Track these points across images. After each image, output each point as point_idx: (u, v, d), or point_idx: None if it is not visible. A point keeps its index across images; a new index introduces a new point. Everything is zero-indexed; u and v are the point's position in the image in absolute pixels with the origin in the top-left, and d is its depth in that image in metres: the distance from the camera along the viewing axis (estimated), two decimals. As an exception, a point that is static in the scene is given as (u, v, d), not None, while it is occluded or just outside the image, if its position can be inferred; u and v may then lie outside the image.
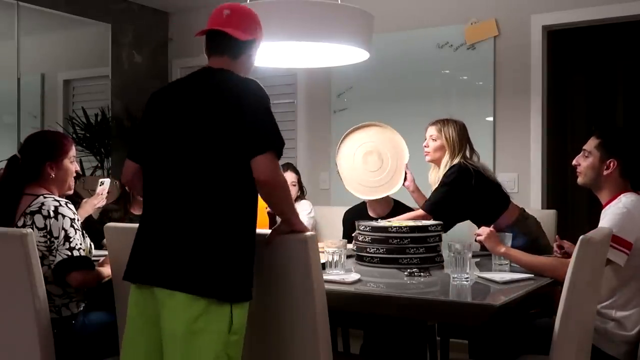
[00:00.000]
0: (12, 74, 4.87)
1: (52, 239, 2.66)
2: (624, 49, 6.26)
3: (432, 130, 3.48)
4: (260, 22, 2.28)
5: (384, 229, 2.87)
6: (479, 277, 2.56)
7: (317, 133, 5.36)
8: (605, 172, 2.71)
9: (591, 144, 2.77)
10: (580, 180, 2.81)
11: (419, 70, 4.90)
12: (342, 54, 3.47)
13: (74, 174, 2.92)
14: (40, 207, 2.68)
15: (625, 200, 2.66)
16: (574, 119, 6.44)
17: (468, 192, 3.29)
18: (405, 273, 2.66)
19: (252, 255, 2.11)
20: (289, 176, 4.15)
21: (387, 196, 3.74)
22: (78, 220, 2.74)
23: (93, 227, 3.33)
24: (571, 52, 5.99)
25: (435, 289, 2.53)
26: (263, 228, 3.09)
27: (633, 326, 2.60)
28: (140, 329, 2.13)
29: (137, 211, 4.01)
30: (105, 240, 2.68)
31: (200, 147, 2.04)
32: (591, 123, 6.47)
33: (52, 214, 2.67)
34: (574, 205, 6.32)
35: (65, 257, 2.64)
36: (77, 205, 3.27)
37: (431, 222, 3.05)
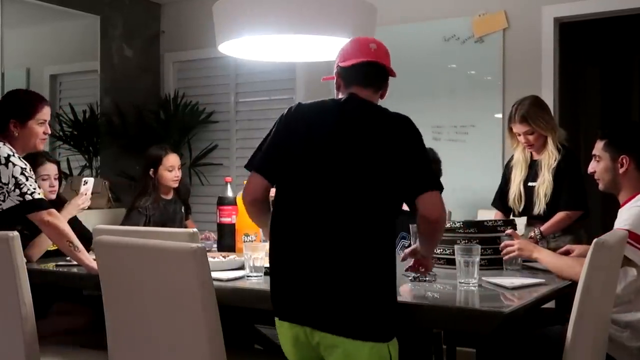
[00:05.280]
0: (-4, 68, 4.87)
1: (1, 184, 2.79)
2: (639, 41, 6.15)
3: (522, 127, 3.48)
4: None
5: (452, 230, 2.87)
6: (487, 282, 2.50)
7: (317, 130, 5.25)
8: (621, 171, 2.68)
9: (598, 146, 2.77)
10: (600, 186, 2.78)
11: (424, 64, 4.84)
12: (343, 47, 3.40)
13: (42, 137, 3.01)
14: None
15: None
16: (587, 114, 6.42)
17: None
18: (410, 278, 2.59)
19: (395, 290, 2.16)
20: None
21: None
22: (30, 170, 2.87)
23: (78, 229, 3.18)
24: (584, 45, 5.95)
25: (442, 294, 2.45)
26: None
27: None
28: None
29: (165, 195, 4.07)
30: (93, 243, 2.46)
31: (366, 183, 2.10)
32: (605, 118, 6.42)
33: (3, 160, 2.80)
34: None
35: (18, 202, 2.78)
36: (62, 208, 3.22)
37: (498, 219, 3.03)
